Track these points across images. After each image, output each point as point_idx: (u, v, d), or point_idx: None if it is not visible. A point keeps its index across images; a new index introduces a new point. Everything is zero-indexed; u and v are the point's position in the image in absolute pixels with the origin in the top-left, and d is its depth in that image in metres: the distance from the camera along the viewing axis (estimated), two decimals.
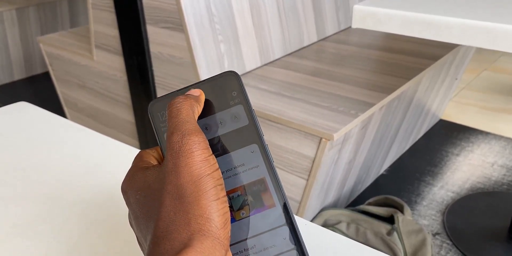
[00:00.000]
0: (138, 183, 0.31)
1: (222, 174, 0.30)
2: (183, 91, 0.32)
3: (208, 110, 0.32)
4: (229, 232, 0.28)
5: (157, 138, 0.32)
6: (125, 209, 0.51)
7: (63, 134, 0.66)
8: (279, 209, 0.30)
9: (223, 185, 0.28)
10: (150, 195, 0.29)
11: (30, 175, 0.56)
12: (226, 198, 0.28)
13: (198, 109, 0.31)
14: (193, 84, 0.32)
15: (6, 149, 0.62)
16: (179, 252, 0.26)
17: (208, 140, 0.30)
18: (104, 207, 0.51)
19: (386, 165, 1.73)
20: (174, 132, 0.29)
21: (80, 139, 0.64)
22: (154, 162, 0.33)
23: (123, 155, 0.60)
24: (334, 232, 0.46)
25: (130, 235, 0.47)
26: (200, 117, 0.32)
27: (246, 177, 0.31)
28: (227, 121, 0.32)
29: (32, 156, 0.60)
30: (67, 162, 0.59)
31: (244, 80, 1.36)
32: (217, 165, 0.28)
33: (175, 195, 0.28)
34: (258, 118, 0.34)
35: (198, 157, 0.28)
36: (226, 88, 0.32)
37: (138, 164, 0.32)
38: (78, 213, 0.50)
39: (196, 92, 0.32)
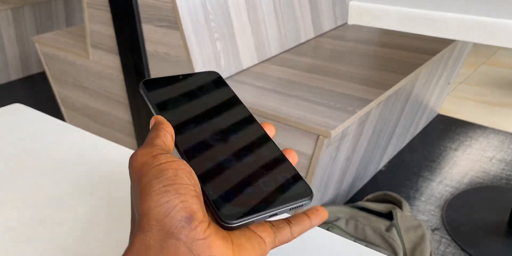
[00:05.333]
0: None
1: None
2: (176, 78, 0.38)
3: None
4: (178, 219, 0.27)
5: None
6: (121, 212, 0.50)
7: (57, 136, 0.65)
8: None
9: (167, 177, 0.28)
10: None
11: (24, 178, 0.56)
12: (169, 188, 0.28)
13: (165, 127, 0.33)
14: (181, 75, 0.38)
15: None
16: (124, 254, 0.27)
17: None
18: (100, 210, 0.51)
19: (384, 161, 1.73)
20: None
21: (75, 141, 0.64)
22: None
23: (119, 157, 0.60)
24: (331, 233, 0.46)
25: (125, 238, 0.46)
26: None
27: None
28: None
29: (26, 158, 0.60)
30: (61, 164, 0.59)
31: (240, 78, 1.35)
32: (161, 160, 0.29)
33: (131, 193, 0.30)
34: (255, 116, 0.38)
35: (138, 162, 0.29)
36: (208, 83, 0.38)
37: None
38: (74, 216, 0.50)
39: (152, 122, 0.34)
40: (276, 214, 0.31)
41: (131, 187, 0.29)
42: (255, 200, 0.31)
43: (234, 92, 0.38)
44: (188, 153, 0.33)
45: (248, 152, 0.34)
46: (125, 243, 0.46)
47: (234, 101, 0.38)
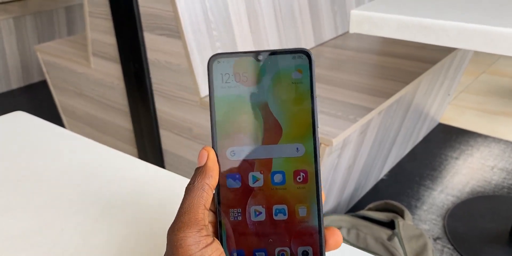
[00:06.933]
0: None
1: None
2: (249, 54, 0.31)
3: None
4: None
5: (210, 102, 0.32)
6: (121, 220, 0.50)
7: (59, 143, 0.65)
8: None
9: None
10: None
11: (26, 185, 0.56)
12: None
13: (211, 182, 0.31)
14: (261, 51, 0.31)
15: (1, 159, 0.61)
16: None
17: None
18: (101, 217, 0.50)
19: (385, 170, 1.73)
20: (173, 222, 0.30)
21: (76, 148, 0.64)
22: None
23: (119, 163, 0.60)
24: None
25: (126, 246, 0.46)
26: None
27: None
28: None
29: (27, 166, 0.60)
30: (63, 171, 0.58)
31: None
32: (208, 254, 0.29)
33: None
34: None
35: (183, 255, 0.29)
36: (293, 65, 0.31)
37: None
38: (74, 224, 0.49)
39: (202, 159, 0.31)
40: None
41: None
42: None
43: (313, 100, 0.31)
44: (223, 202, 0.31)
45: (285, 210, 0.31)
46: (124, 251, 0.45)
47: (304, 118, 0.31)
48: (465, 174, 1.72)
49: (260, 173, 0.31)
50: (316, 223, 0.31)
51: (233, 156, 0.31)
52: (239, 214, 0.31)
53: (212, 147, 0.32)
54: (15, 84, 2.67)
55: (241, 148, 0.31)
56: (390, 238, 1.23)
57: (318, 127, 0.31)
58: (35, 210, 0.51)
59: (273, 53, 0.31)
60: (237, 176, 0.31)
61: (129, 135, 1.60)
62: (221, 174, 0.31)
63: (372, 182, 1.66)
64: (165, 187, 0.55)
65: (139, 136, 1.54)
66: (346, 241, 1.25)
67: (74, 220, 0.50)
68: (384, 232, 1.25)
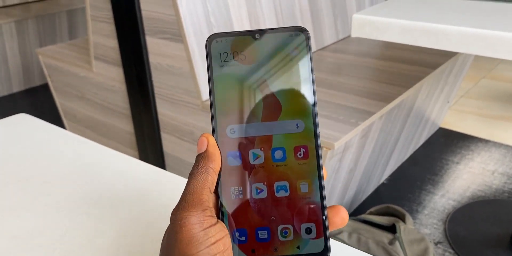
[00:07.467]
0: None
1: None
2: (247, 33, 0.32)
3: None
4: None
5: (209, 81, 0.32)
6: (125, 220, 0.50)
7: (62, 145, 0.65)
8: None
9: None
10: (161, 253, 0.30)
11: (30, 186, 0.56)
12: None
13: (214, 166, 0.31)
14: (258, 30, 0.32)
15: (5, 160, 0.61)
16: None
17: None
18: (104, 218, 0.50)
19: (386, 174, 1.73)
20: (177, 204, 0.30)
21: (79, 150, 0.64)
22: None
23: (122, 165, 0.60)
24: (337, 241, 0.46)
25: (131, 246, 0.46)
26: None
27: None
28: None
29: (31, 167, 0.60)
30: (66, 173, 0.59)
31: None
32: (211, 240, 0.28)
33: (167, 246, 0.29)
34: None
35: (186, 233, 0.28)
36: (290, 42, 0.31)
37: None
38: (78, 225, 0.50)
39: (203, 145, 0.31)
40: None
41: (169, 242, 0.29)
42: (263, 250, 0.30)
43: (312, 79, 0.31)
44: (224, 181, 0.31)
45: (286, 186, 0.30)
46: (129, 252, 0.45)
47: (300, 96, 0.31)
48: (465, 179, 1.73)
49: (261, 150, 0.31)
50: (318, 199, 0.30)
51: (233, 134, 0.31)
52: (240, 192, 0.30)
53: (212, 125, 0.31)
54: (16, 88, 2.67)
55: (240, 125, 0.31)
56: (391, 242, 1.22)
57: (317, 103, 0.31)
58: (39, 211, 0.52)
59: (270, 31, 0.31)
60: (238, 154, 0.31)
61: (130, 138, 1.60)
62: (221, 153, 0.31)
63: (373, 186, 1.66)
64: (168, 188, 0.55)
65: (141, 139, 1.54)
66: (347, 245, 1.25)
67: (78, 221, 0.50)
68: (385, 236, 1.25)
